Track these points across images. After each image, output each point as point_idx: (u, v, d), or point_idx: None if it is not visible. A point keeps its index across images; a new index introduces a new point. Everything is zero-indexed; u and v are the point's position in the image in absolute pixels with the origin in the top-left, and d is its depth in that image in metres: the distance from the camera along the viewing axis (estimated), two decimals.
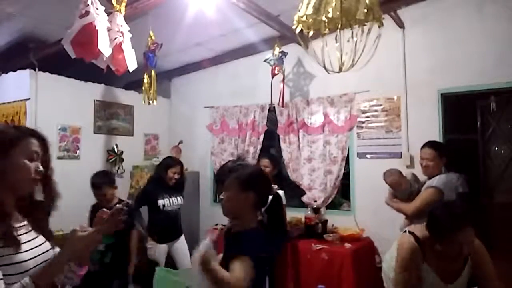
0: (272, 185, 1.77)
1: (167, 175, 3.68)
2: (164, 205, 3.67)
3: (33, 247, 1.20)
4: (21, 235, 1.20)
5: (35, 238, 1.24)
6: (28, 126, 4.03)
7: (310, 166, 4.34)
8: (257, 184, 1.69)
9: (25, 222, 1.27)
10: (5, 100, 4.42)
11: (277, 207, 1.79)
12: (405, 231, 2.13)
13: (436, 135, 3.67)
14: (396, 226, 3.05)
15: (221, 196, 1.75)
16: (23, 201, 1.27)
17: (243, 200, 1.65)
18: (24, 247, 1.18)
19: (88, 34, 2.48)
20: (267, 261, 1.70)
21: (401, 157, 3.85)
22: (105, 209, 1.35)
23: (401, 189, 3.08)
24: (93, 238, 1.24)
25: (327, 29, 2.22)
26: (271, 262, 1.81)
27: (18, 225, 1.23)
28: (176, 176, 3.73)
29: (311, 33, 2.28)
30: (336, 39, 2.23)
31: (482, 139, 4.42)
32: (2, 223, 1.16)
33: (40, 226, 1.29)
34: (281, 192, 3.60)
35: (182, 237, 3.90)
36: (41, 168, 1.24)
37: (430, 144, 3.04)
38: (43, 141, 1.29)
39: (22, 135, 1.23)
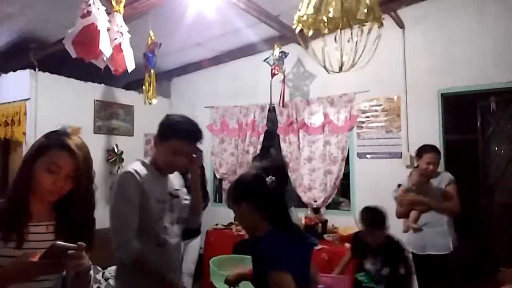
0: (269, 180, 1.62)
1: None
2: None
3: (39, 247, 1.19)
4: (32, 233, 1.21)
5: (49, 240, 1.21)
6: (28, 126, 4.07)
7: (310, 166, 4.35)
8: (243, 192, 1.61)
9: (49, 223, 1.26)
10: (5, 100, 4.42)
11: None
12: None
13: (436, 135, 3.67)
14: (396, 226, 3.04)
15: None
16: (56, 204, 1.27)
17: (242, 213, 1.61)
18: (28, 245, 1.18)
19: (89, 34, 2.49)
20: (301, 256, 1.59)
21: (401, 157, 3.85)
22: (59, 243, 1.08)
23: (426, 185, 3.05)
24: (30, 268, 1.07)
25: (326, 29, 2.22)
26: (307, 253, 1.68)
27: (35, 224, 1.23)
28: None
29: (311, 33, 2.28)
30: (335, 39, 2.23)
31: (482, 139, 4.41)
32: (17, 220, 1.19)
33: (71, 233, 1.23)
34: None
35: (197, 239, 3.77)
36: (60, 182, 1.21)
37: (434, 149, 3.08)
38: (73, 155, 1.23)
39: (51, 146, 1.23)
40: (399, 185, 3.17)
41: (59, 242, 1.09)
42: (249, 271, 1.82)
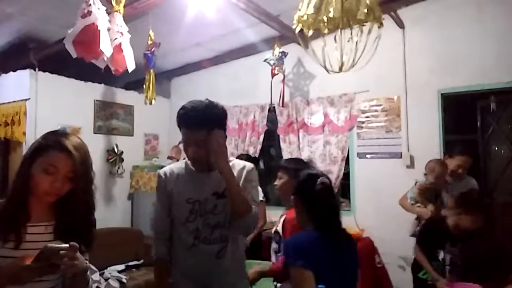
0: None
1: None
2: None
3: (38, 248, 1.19)
4: (30, 234, 1.21)
5: (48, 240, 1.21)
6: (28, 126, 4.07)
7: None
8: (296, 187, 1.69)
9: (48, 223, 1.26)
10: (5, 100, 4.42)
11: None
12: None
13: (436, 135, 3.67)
14: (396, 226, 3.05)
15: None
16: (56, 204, 1.27)
17: (294, 206, 1.69)
18: (26, 245, 1.18)
19: (90, 34, 2.49)
20: (339, 264, 1.54)
21: (401, 157, 3.85)
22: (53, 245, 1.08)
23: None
24: (23, 272, 1.07)
25: (326, 29, 2.22)
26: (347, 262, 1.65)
27: (34, 224, 1.23)
28: None
29: (311, 32, 2.28)
30: (335, 39, 2.23)
31: (482, 139, 4.41)
32: (15, 220, 1.19)
33: (70, 234, 1.23)
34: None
35: None
36: (57, 183, 1.21)
37: (467, 152, 3.06)
38: (70, 156, 1.21)
39: (49, 147, 1.23)
40: (416, 182, 3.11)
41: (50, 244, 1.09)
42: (270, 268, 1.86)
